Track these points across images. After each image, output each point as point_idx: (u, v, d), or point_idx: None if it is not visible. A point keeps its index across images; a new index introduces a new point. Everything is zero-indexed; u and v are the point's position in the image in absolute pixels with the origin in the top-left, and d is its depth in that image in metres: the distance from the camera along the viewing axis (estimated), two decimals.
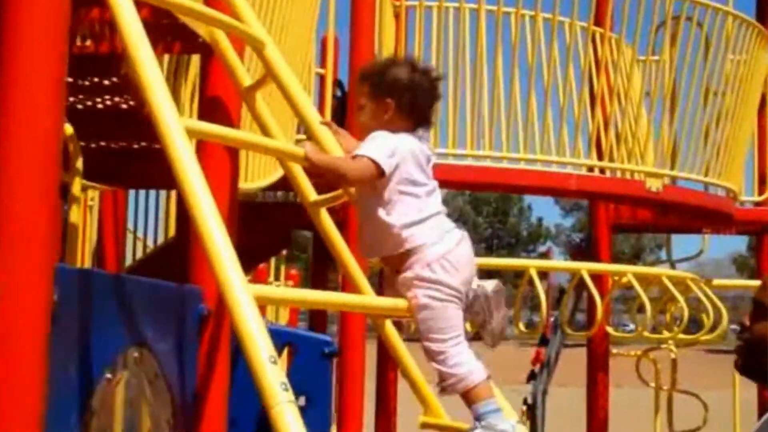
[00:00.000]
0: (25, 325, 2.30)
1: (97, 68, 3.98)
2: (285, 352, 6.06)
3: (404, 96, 3.17)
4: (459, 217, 58.29)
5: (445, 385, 3.11)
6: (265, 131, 3.53)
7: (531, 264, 6.85)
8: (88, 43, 3.73)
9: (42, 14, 2.39)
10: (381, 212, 3.12)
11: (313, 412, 5.77)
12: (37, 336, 2.32)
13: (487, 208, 58.72)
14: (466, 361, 3.10)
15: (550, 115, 7.28)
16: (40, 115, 2.38)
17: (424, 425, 3.62)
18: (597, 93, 7.46)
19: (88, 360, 2.72)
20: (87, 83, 4.12)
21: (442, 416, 3.58)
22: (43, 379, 2.33)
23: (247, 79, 3.46)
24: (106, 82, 4.14)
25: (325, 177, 3.26)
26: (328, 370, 5.75)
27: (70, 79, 4.10)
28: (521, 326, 7.32)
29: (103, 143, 4.78)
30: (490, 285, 3.20)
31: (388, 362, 7.73)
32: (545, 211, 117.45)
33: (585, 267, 6.96)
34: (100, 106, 4.39)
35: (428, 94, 3.23)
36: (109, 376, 2.83)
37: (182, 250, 7.03)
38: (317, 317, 9.12)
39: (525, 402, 9.44)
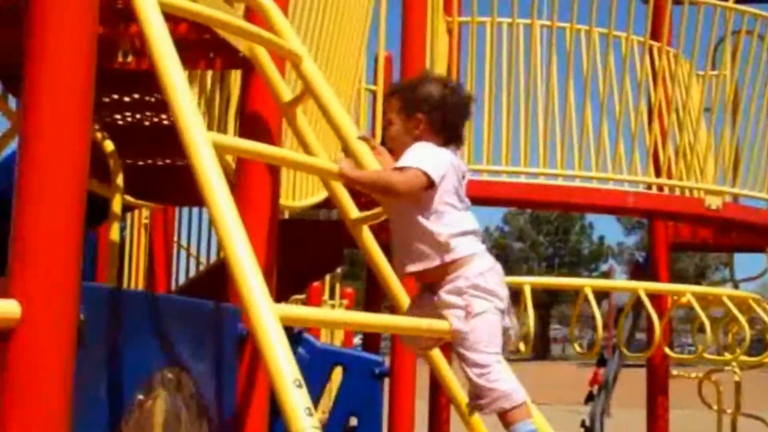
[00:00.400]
0: (49, 344, 2.24)
1: (139, 85, 3.96)
2: (336, 372, 6.00)
3: (435, 112, 3.13)
4: (519, 237, 57.91)
5: (483, 402, 3.01)
6: (305, 147, 3.47)
7: (586, 283, 6.68)
8: (130, 59, 3.69)
9: (68, 25, 2.35)
10: (427, 223, 3.04)
11: None
12: (62, 355, 2.26)
13: (547, 226, 58.12)
14: (507, 379, 3.01)
15: (606, 130, 7.14)
16: (66, 131, 2.33)
17: None
18: (654, 106, 7.30)
19: (119, 380, 2.67)
20: (129, 100, 4.09)
21: None
22: (69, 398, 2.27)
23: (287, 95, 3.40)
24: (151, 99, 4.11)
25: (369, 192, 3.20)
26: (378, 391, 5.65)
27: (114, 96, 4.09)
28: (577, 346, 7.16)
29: (149, 160, 4.75)
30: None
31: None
32: (607, 229, 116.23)
33: (642, 286, 6.76)
34: (147, 123, 4.36)
35: (459, 111, 3.20)
36: (141, 397, 2.77)
37: None
38: (371, 337, 9.03)
39: (582, 424, 9.24)
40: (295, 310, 2.28)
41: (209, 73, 4.18)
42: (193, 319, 3.11)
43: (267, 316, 2.10)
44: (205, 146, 2.32)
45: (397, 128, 3.16)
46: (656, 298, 7.44)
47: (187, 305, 3.10)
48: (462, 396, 3.40)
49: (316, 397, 5.97)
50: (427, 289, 3.12)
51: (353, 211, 3.41)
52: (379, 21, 6.42)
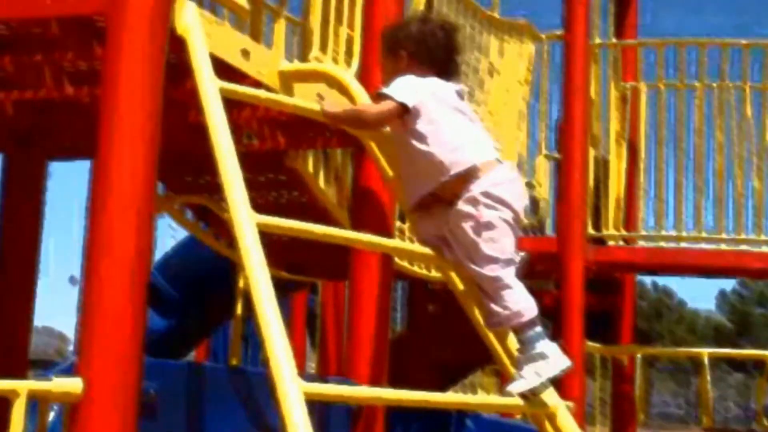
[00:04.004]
0: (109, 418, 2.37)
1: (268, 164, 4.11)
2: None
3: (416, 47, 3.28)
4: (759, 301, 55.18)
5: (496, 321, 3.10)
6: None
7: None
8: (254, 141, 3.85)
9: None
10: (419, 145, 3.14)
11: None
12: (123, 429, 2.38)
13: None
14: (518, 298, 3.06)
15: None
16: (131, 213, 2.48)
17: None
18: None
19: None
20: (263, 179, 4.25)
21: None
22: None
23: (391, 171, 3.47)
24: (282, 177, 4.26)
25: (347, 126, 3.35)
26: None
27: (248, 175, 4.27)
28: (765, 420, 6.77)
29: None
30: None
31: None
32: None
33: None
34: (283, 200, 4.52)
35: (442, 43, 3.33)
36: None
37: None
38: None
39: None
40: (320, 387, 2.33)
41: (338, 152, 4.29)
42: None
43: (291, 391, 2.17)
44: (249, 225, 2.42)
45: (387, 68, 3.36)
46: None
47: None
48: None
49: None
50: (448, 203, 3.17)
51: (459, 284, 3.41)
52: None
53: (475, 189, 3.10)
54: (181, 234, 6.25)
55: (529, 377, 3.03)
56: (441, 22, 3.50)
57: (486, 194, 3.10)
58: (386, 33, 3.42)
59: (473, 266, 3.10)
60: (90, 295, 2.43)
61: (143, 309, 2.45)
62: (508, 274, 3.08)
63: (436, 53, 3.31)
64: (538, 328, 3.07)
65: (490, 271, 3.07)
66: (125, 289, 2.43)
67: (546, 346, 3.05)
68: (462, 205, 3.11)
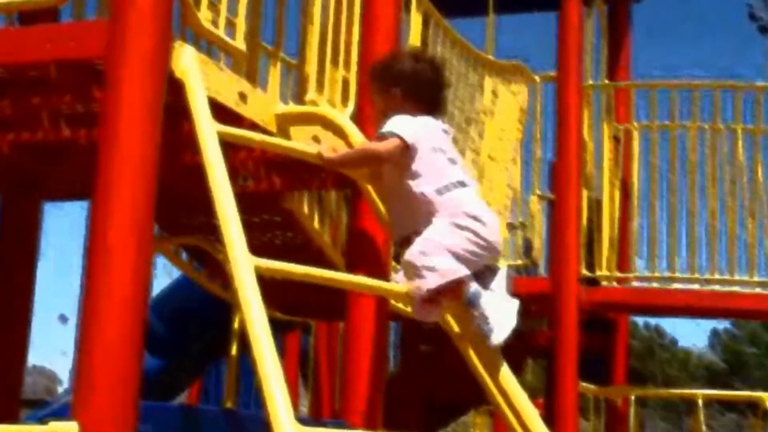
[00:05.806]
0: None
1: (263, 205, 4.12)
2: None
3: (409, 85, 3.34)
4: (752, 341, 55.04)
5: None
6: None
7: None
8: (249, 182, 3.87)
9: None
10: (412, 183, 3.19)
11: None
12: None
13: None
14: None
15: None
16: (127, 258, 2.48)
17: None
18: None
19: None
20: (258, 220, 4.26)
21: None
22: None
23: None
24: (277, 219, 4.27)
25: (357, 167, 3.41)
26: None
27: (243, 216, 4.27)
28: None
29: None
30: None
31: None
32: None
33: None
34: (277, 241, 4.52)
35: (433, 81, 3.40)
36: None
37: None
38: None
39: None
40: (316, 430, 2.33)
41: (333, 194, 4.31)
42: None
43: None
44: (246, 268, 2.44)
45: (379, 106, 3.41)
46: None
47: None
48: None
49: None
50: None
51: (454, 325, 3.41)
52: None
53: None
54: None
55: (494, 325, 3.11)
56: (431, 59, 3.57)
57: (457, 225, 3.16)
58: (377, 69, 3.46)
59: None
60: (86, 337, 2.43)
61: (140, 351, 2.45)
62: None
63: (428, 90, 3.38)
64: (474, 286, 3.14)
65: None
66: (122, 332, 2.44)
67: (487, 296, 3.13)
68: None
